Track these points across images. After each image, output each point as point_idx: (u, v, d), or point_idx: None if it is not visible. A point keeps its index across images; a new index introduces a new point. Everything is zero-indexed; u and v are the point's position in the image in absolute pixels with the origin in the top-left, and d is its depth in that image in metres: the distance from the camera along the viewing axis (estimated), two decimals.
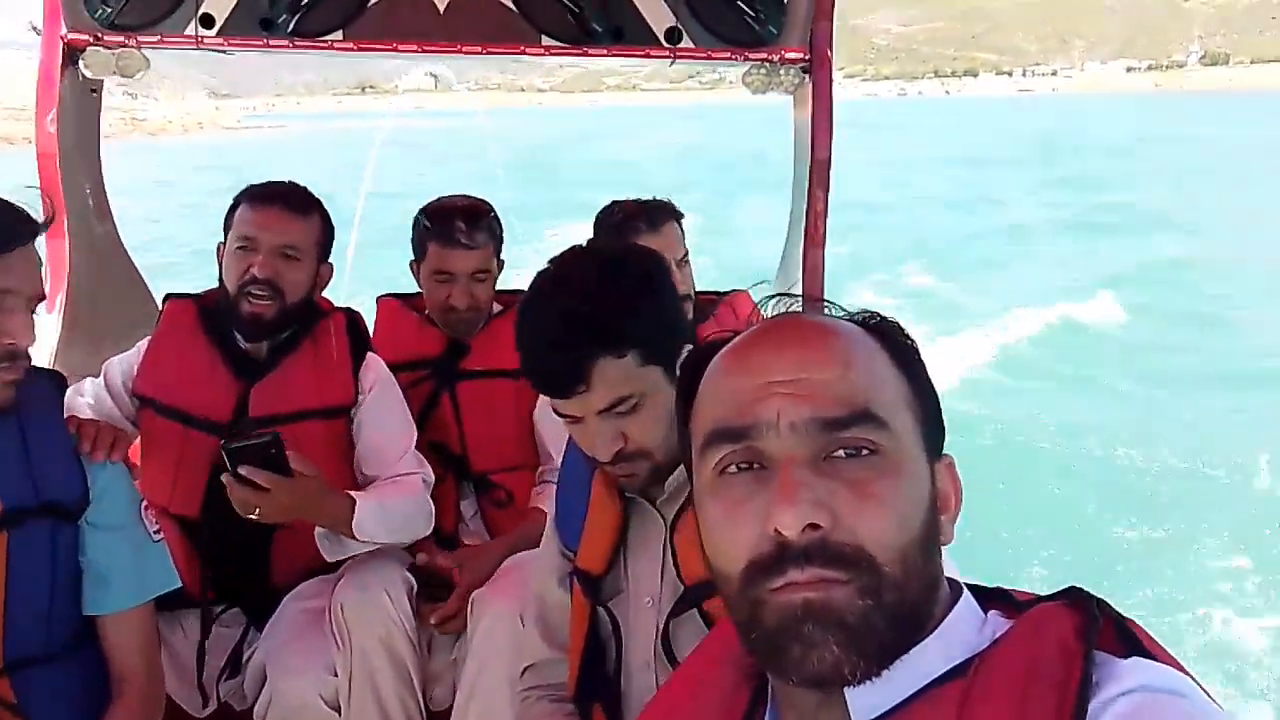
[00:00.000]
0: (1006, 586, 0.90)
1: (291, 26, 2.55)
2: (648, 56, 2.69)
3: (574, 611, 1.59)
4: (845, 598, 0.75)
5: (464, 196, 2.52)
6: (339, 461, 2.23)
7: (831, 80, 2.73)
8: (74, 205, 2.68)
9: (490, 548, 2.39)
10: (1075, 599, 0.80)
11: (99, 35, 2.55)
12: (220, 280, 2.21)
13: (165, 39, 2.57)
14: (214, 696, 2.18)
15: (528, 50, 2.62)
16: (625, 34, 2.62)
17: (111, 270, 2.86)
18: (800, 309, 0.90)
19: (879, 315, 0.90)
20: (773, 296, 0.92)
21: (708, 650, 0.97)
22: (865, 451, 0.78)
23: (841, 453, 0.78)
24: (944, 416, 0.88)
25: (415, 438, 2.31)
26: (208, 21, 2.56)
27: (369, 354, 2.33)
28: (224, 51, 2.64)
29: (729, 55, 2.69)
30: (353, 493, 2.10)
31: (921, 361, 0.88)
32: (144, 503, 1.72)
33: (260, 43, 2.59)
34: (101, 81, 2.67)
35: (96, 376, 2.32)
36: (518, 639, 1.93)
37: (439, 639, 2.30)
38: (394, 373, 2.36)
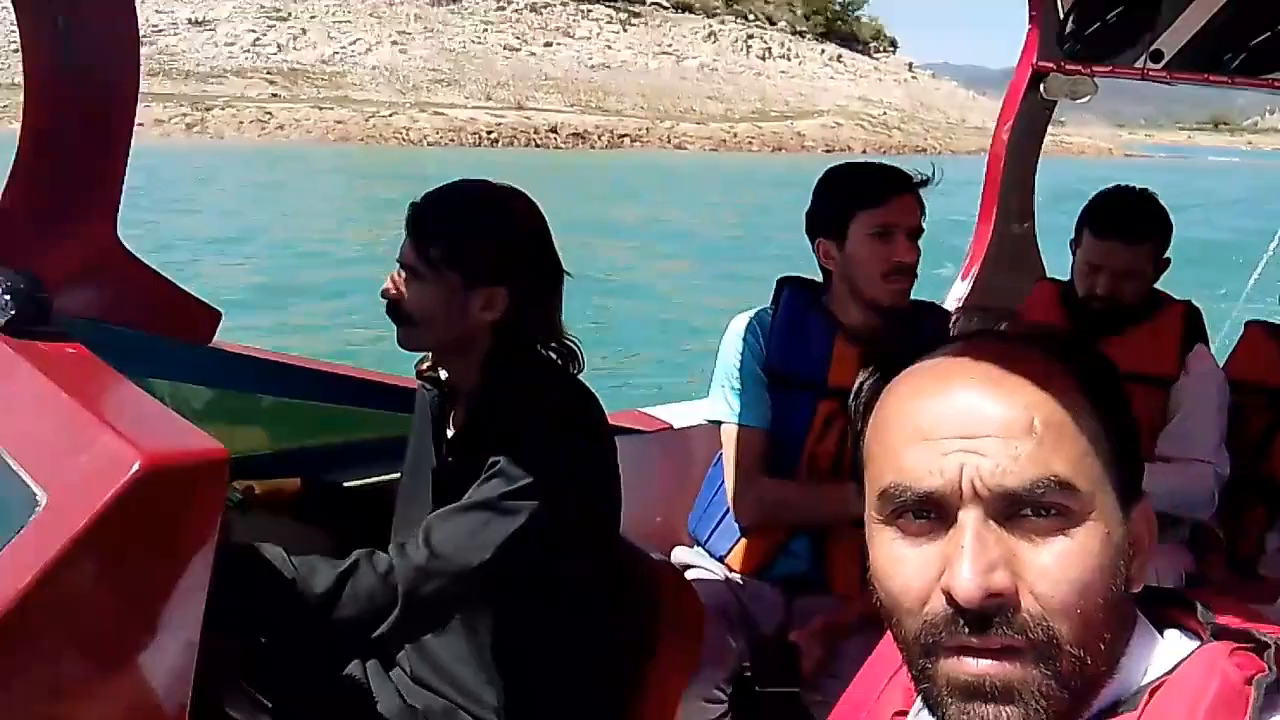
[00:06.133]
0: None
1: (1237, 64, 2.65)
2: None
3: None
4: (1021, 672, 0.71)
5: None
6: (1148, 431, 2.37)
7: None
8: (1003, 202, 3.19)
9: None
10: (1247, 641, 0.75)
11: (1061, 64, 2.96)
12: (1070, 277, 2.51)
13: (1116, 70, 2.85)
14: None
15: None
16: None
17: (1018, 263, 3.28)
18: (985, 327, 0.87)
19: (1073, 339, 0.85)
20: (964, 310, 0.88)
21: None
22: (1054, 512, 0.72)
23: (1028, 511, 0.72)
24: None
25: (1224, 432, 2.40)
26: (1156, 56, 2.75)
27: (1199, 345, 2.45)
28: (1167, 83, 2.87)
29: None
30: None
31: (1118, 391, 0.80)
32: None
33: (1201, 77, 2.74)
34: (1054, 103, 3.09)
35: None
36: None
37: None
38: (1240, 394, 2.50)
